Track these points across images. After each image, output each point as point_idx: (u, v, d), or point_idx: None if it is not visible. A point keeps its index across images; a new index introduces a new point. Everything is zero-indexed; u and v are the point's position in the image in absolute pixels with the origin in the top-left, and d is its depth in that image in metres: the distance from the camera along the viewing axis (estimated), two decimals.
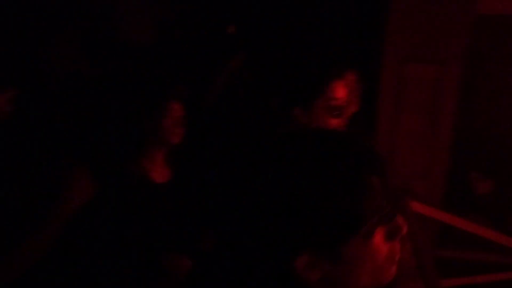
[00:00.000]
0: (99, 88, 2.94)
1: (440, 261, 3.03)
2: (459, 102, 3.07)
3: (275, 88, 2.40)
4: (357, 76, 2.74)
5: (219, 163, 2.40)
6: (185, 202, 2.29)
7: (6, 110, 1.96)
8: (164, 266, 2.16)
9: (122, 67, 3.12)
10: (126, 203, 2.12)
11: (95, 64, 3.18)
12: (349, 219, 0.93)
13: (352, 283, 0.98)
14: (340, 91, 2.14)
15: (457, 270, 3.09)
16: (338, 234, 0.93)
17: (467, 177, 3.52)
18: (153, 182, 2.23)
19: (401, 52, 3.00)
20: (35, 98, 2.71)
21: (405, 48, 2.99)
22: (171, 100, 2.19)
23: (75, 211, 1.85)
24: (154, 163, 2.24)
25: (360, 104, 2.46)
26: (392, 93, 3.04)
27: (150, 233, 2.15)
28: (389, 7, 2.94)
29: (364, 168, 0.95)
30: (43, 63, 2.96)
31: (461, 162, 3.31)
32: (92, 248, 2.10)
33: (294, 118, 2.17)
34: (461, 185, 3.46)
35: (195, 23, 3.67)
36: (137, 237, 2.13)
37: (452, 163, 3.19)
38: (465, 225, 2.97)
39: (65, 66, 3.05)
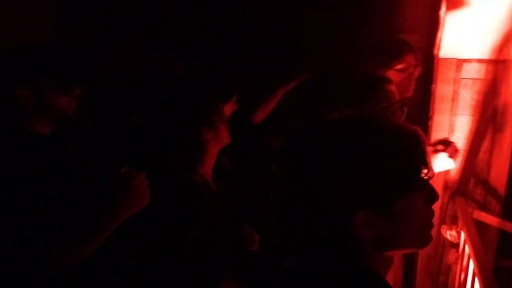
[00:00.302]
0: (158, 91, 2.97)
1: (499, 270, 2.91)
2: None
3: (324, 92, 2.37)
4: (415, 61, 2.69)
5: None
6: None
7: (71, 109, 1.99)
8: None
9: (179, 71, 3.14)
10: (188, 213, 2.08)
11: (154, 67, 3.21)
12: (404, 174, 1.04)
13: (401, 241, 1.09)
14: (390, 95, 2.10)
15: None
16: (393, 189, 1.03)
17: None
18: (212, 188, 2.20)
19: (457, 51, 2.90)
20: (97, 99, 2.77)
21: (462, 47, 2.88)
22: (225, 103, 2.19)
23: (128, 218, 1.87)
24: (209, 167, 2.21)
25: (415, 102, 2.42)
26: (448, 93, 2.93)
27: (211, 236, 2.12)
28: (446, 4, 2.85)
29: (414, 128, 1.09)
30: (104, 65, 3.02)
31: None
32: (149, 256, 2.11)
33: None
34: None
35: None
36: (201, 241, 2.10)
37: None
38: None
39: (124, 69, 3.10)
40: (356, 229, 1.03)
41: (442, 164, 2.49)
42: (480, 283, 2.29)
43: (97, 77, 2.89)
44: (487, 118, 2.93)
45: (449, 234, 2.95)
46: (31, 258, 1.74)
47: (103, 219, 1.84)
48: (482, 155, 2.99)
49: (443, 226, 3.01)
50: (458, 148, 2.56)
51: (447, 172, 2.98)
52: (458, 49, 2.88)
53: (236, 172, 2.87)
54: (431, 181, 1.10)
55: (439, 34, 2.92)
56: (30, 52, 1.93)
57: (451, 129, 2.98)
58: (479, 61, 2.86)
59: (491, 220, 2.95)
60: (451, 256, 3.03)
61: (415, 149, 1.06)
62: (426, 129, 3.02)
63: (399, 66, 2.76)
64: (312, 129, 1.11)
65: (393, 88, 2.14)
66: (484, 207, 3.04)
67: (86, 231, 1.83)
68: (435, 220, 1.95)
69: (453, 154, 2.50)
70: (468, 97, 2.93)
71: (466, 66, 2.89)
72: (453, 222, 3.01)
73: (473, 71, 2.89)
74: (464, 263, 2.72)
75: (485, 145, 2.97)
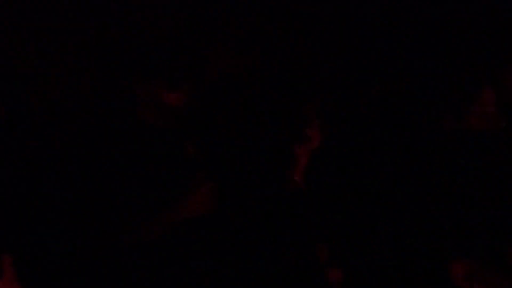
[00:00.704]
0: (257, 91, 3.02)
1: None
2: None
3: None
4: None
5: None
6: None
7: (181, 105, 2.07)
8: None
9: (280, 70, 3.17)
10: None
11: (252, 67, 3.27)
12: None
13: None
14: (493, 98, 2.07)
15: None
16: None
17: None
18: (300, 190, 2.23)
19: None
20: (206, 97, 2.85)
21: None
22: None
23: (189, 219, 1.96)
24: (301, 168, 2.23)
25: None
26: None
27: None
28: None
29: None
30: (206, 63, 3.09)
31: None
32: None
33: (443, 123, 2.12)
34: None
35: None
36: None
37: None
38: None
39: (225, 67, 3.16)
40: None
41: None
42: None
43: (207, 75, 2.96)
44: None
45: None
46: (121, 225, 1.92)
47: (164, 213, 1.96)
48: None
49: None
50: None
51: None
52: None
53: None
54: None
55: None
56: (148, 47, 2.09)
57: None
58: None
59: None
60: None
61: None
62: None
63: None
64: None
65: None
66: None
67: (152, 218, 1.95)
68: None
69: None
70: None
71: None
72: None
73: None
74: None
75: None
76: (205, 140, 2.30)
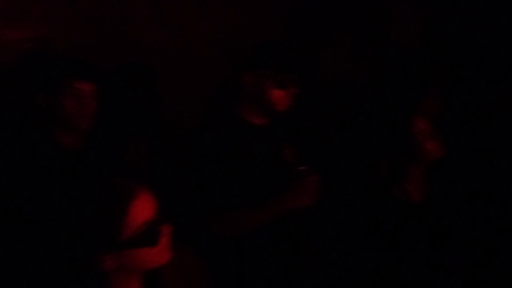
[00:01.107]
0: (367, 94, 2.97)
1: None
2: None
3: None
4: None
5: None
6: (443, 221, 2.18)
7: (284, 105, 2.06)
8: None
9: (392, 73, 3.10)
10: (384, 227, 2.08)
11: (364, 69, 3.23)
12: None
13: None
14: None
15: None
16: None
17: None
18: (411, 204, 2.14)
19: None
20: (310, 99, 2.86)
21: None
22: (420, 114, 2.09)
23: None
24: (413, 182, 2.15)
25: None
26: None
27: (407, 252, 2.09)
28: None
29: None
30: (318, 66, 3.10)
31: None
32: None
33: None
34: None
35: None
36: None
37: None
38: None
39: (336, 70, 3.14)
40: None
41: None
42: None
43: (314, 76, 2.97)
44: None
45: None
46: (203, 218, 1.97)
47: (268, 204, 1.99)
48: None
49: None
50: None
51: None
52: None
53: None
54: None
55: None
56: (260, 44, 2.10)
57: None
58: None
59: None
60: None
61: None
62: None
63: None
64: None
65: None
66: None
67: (252, 210, 1.99)
68: None
69: None
70: None
71: None
72: None
73: None
74: None
75: None
76: (305, 142, 2.29)
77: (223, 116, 2.11)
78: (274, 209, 1.99)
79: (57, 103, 2.03)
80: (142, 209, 1.32)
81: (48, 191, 1.94)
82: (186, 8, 3.13)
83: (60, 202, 1.51)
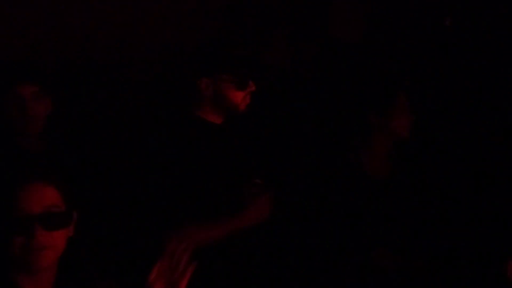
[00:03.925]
0: (313, 83, 2.99)
1: None
2: None
3: None
4: None
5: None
6: (404, 199, 2.22)
7: (243, 104, 2.07)
8: (376, 262, 2.15)
9: (334, 63, 3.13)
10: (336, 193, 2.16)
11: (306, 60, 3.20)
12: None
13: None
14: None
15: None
16: None
17: None
18: (368, 176, 2.21)
19: None
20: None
21: None
22: (398, 94, 2.18)
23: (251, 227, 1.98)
24: (374, 157, 2.21)
25: None
26: None
27: (361, 226, 2.15)
28: None
29: None
30: (265, 59, 3.08)
31: None
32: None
33: None
34: None
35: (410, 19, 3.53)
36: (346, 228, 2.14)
37: None
38: None
39: (280, 62, 3.14)
40: None
41: None
42: None
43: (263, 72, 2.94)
44: None
45: None
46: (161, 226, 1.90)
47: (225, 221, 1.97)
48: None
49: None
50: None
51: None
52: None
53: None
54: None
55: None
56: (217, 46, 2.09)
57: None
58: None
59: None
60: None
61: None
62: None
63: None
64: None
65: None
66: None
67: (213, 224, 1.95)
68: None
69: None
70: None
71: None
72: None
73: None
74: None
75: None
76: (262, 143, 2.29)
77: (181, 117, 2.09)
78: (231, 227, 1.97)
79: (2, 109, 2.04)
80: None
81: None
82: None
83: None
